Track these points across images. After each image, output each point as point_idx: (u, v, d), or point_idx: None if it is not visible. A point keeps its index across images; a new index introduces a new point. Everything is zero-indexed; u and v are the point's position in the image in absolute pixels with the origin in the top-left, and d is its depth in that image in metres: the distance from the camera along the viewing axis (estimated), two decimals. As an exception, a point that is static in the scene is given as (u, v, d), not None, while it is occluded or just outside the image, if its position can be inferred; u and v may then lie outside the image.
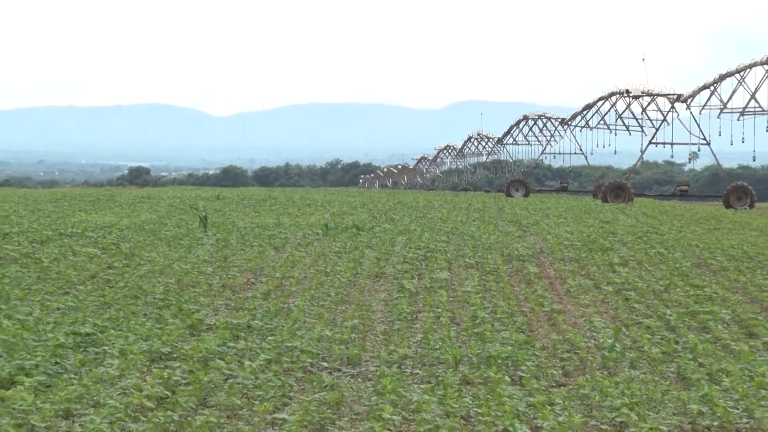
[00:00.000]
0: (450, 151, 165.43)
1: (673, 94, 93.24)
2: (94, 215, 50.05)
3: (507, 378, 18.45)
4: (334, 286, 28.47)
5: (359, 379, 18.72)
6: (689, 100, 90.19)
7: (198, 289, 27.71)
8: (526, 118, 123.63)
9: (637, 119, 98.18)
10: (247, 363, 19.17)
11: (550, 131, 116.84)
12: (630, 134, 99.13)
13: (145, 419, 15.23)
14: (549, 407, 16.33)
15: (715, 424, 15.86)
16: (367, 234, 40.97)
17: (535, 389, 17.74)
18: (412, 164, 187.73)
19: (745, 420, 16.08)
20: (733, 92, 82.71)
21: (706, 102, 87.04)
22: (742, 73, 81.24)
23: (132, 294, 26.69)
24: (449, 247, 36.63)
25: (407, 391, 17.33)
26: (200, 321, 23.36)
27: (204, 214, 45.12)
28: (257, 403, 16.44)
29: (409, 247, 36.42)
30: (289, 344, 20.72)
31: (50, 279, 28.81)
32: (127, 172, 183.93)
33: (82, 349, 19.87)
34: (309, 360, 19.74)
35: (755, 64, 79.30)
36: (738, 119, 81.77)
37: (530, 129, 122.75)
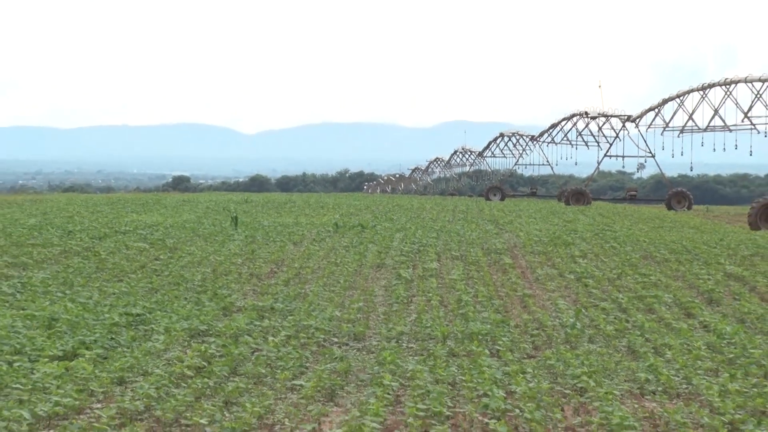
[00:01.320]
0: (439, 162, 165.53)
1: (624, 115, 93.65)
2: (143, 216, 50.07)
3: (486, 351, 18.50)
4: (342, 275, 28.52)
5: (364, 352, 18.78)
6: (637, 120, 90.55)
7: (230, 277, 27.78)
8: (502, 135, 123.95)
9: (594, 136, 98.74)
10: (270, 338, 19.22)
11: (522, 146, 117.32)
12: (588, 148, 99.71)
13: (185, 385, 15.29)
14: (521, 375, 16.36)
15: (660, 389, 15.91)
16: (370, 231, 41.00)
17: (509, 360, 17.78)
18: (407, 173, 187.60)
19: (684, 386, 16.11)
20: (674, 113, 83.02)
21: (652, 121, 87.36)
22: (681, 98, 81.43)
23: (175, 281, 26.78)
24: (438, 242, 36.65)
25: (404, 361, 17.38)
26: (232, 304, 23.44)
27: (235, 214, 45.18)
28: (279, 372, 16.49)
29: (405, 242, 36.44)
30: (305, 323, 20.78)
31: (107, 269, 28.88)
32: (171, 179, 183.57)
33: (133, 327, 19.92)
34: (322, 336, 19.81)
35: (692, 90, 79.51)
36: (678, 136, 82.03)
37: (505, 144, 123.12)
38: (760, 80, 68.15)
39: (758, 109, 69.75)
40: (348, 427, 12.85)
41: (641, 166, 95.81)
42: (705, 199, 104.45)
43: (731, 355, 18.32)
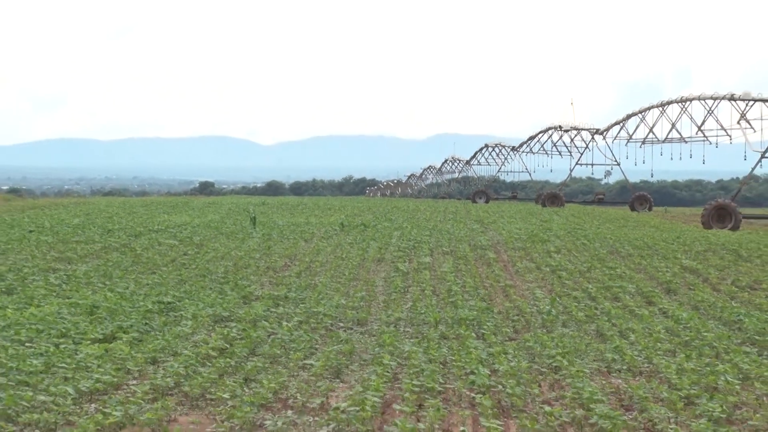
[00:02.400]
0: (431, 170, 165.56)
1: (593, 129, 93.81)
2: (173, 216, 50.06)
3: (473, 334, 18.51)
4: (347, 268, 28.52)
5: (366, 335, 18.78)
6: (604, 133, 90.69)
7: (249, 270, 27.77)
8: (486, 146, 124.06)
9: (566, 147, 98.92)
10: (284, 323, 19.23)
11: (504, 155, 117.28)
12: (562, 157, 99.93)
13: (210, 364, 15.29)
14: (503, 355, 16.37)
15: (624, 367, 15.91)
16: (371, 230, 41.00)
17: (493, 342, 17.78)
18: (404, 179, 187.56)
19: (646, 365, 16.12)
20: (637, 127, 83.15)
21: (617, 134, 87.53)
22: (643, 113, 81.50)
23: (201, 273, 26.77)
24: (431, 239, 36.65)
25: (401, 343, 17.37)
26: (251, 293, 23.44)
27: (253, 215, 45.12)
28: (292, 352, 16.49)
29: (402, 240, 36.45)
30: (315, 310, 20.78)
31: (141, 263, 28.88)
32: (197, 185, 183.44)
33: (164, 314, 19.93)
34: (329, 321, 19.81)
35: (652, 107, 79.63)
36: (640, 147, 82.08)
37: (490, 154, 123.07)
38: (711, 98, 68.23)
39: (710, 124, 69.93)
40: (352, 400, 12.84)
41: (608, 173, 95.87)
42: (664, 201, 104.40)
43: (687, 338, 18.32)
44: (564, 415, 12.66)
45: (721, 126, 68.69)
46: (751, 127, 61.90)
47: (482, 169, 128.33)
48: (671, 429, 11.83)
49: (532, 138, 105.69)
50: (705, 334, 18.62)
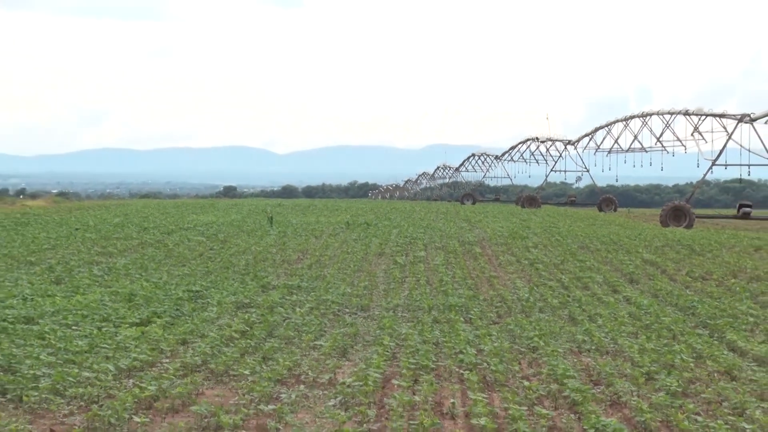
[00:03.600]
0: (425, 175, 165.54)
1: (566, 140, 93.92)
2: (201, 216, 50.02)
3: (461, 319, 18.51)
4: (352, 261, 28.51)
5: (368, 320, 18.78)
6: (576, 144, 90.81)
7: (266, 263, 27.77)
8: (473, 155, 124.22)
9: (543, 156, 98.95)
10: (297, 309, 19.23)
11: (488, 163, 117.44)
12: (538, 165, 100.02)
13: (233, 345, 15.29)
14: (488, 337, 16.37)
15: (593, 347, 15.90)
16: (373, 228, 40.98)
17: (479, 326, 17.78)
18: (402, 184, 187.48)
19: (611, 345, 16.11)
20: (603, 138, 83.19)
21: (587, 145, 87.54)
22: (609, 126, 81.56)
23: (225, 266, 26.76)
24: (425, 236, 36.64)
25: (399, 326, 17.38)
26: (268, 283, 23.43)
27: (271, 215, 45.11)
28: (304, 334, 16.48)
29: (400, 236, 36.44)
30: (324, 297, 20.78)
31: (173, 256, 28.87)
32: (222, 188, 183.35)
33: (193, 301, 19.94)
34: (337, 307, 19.81)
35: (617, 121, 79.70)
36: (606, 155, 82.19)
37: (476, 162, 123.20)
38: (669, 113, 68.39)
39: (667, 135, 69.84)
40: (357, 376, 12.83)
41: (579, 179, 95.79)
42: (627, 203, 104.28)
43: (647, 322, 18.34)
44: (540, 389, 12.66)
45: (677, 137, 68.76)
46: (703, 139, 62.15)
47: (469, 175, 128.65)
48: (634, 401, 11.81)
49: (512, 148, 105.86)
50: (663, 318, 18.63)
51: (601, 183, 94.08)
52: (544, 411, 11.28)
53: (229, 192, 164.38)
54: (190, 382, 12.40)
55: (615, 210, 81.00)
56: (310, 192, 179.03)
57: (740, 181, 66.72)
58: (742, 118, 56.64)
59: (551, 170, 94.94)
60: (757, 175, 67.04)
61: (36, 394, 11.39)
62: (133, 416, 10.70)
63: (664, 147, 71.18)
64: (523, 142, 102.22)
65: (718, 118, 59.93)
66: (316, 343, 15.78)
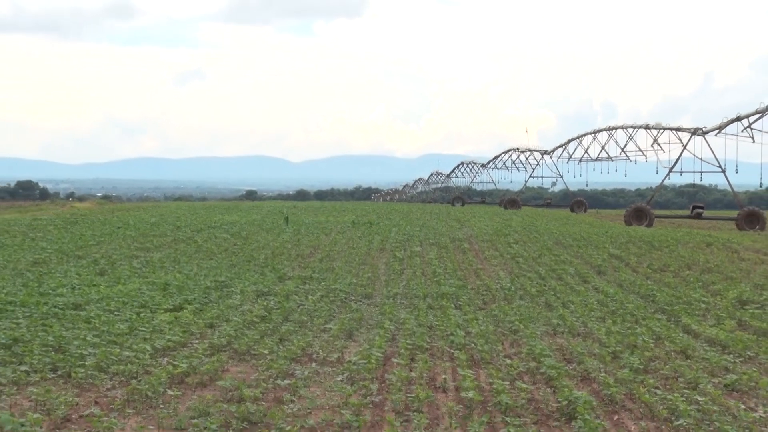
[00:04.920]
0: (421, 181, 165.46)
1: (542, 150, 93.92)
2: (226, 216, 49.99)
3: (452, 305, 18.49)
4: (357, 255, 28.47)
5: (371, 306, 18.74)
6: (551, 153, 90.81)
7: (283, 257, 27.73)
8: (462, 163, 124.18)
9: (522, 164, 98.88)
10: (309, 297, 19.21)
11: (475, 170, 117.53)
12: (519, 172, 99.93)
13: (254, 328, 15.26)
14: (475, 321, 16.35)
15: (566, 330, 15.87)
16: (375, 226, 40.95)
17: (467, 311, 17.76)
18: (400, 188, 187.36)
19: (582, 328, 16.08)
20: (575, 149, 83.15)
21: (561, 154, 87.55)
22: (580, 138, 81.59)
23: (247, 259, 26.73)
24: (420, 234, 36.62)
25: (398, 312, 17.36)
26: (284, 274, 23.39)
27: (287, 215, 45.10)
28: (315, 319, 16.46)
29: (399, 234, 36.40)
30: (333, 287, 20.76)
31: (202, 251, 28.85)
32: (244, 192, 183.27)
33: (219, 290, 19.91)
34: (344, 295, 19.78)
35: (587, 134, 79.78)
36: (578, 164, 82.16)
37: (465, 169, 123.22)
38: (631, 127, 68.49)
39: (630, 146, 69.82)
40: (361, 355, 12.82)
41: (554, 184, 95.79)
42: (596, 205, 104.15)
43: (613, 308, 18.30)
44: (521, 366, 12.64)
45: (639, 148, 68.77)
46: (662, 149, 62.28)
47: (459, 181, 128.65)
48: (602, 377, 11.79)
49: (496, 157, 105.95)
50: (627, 305, 18.60)
51: (573, 187, 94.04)
52: (523, 385, 11.26)
53: (251, 195, 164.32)
54: (217, 360, 12.38)
55: (585, 211, 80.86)
56: (321, 195, 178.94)
57: (693, 186, 66.94)
58: (695, 132, 56.93)
59: (530, 176, 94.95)
60: (708, 180, 66.86)
61: (83, 370, 11.38)
62: (167, 390, 10.69)
63: (628, 156, 71.18)
64: (506, 152, 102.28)
65: (674, 131, 59.99)
66: (326, 326, 15.76)
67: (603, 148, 76.26)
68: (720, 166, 55.52)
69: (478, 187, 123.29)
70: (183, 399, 10.52)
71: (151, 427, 9.31)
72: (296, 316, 16.67)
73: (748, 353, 13.89)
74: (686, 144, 57.27)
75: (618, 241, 33.86)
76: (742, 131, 51.88)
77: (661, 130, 62.24)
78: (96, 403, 10.22)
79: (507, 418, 9.76)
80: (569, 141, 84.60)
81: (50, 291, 18.34)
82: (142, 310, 16.41)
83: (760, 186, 55.47)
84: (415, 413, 9.89)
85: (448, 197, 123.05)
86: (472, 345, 14.01)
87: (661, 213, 66.10)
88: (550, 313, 17.64)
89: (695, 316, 17.49)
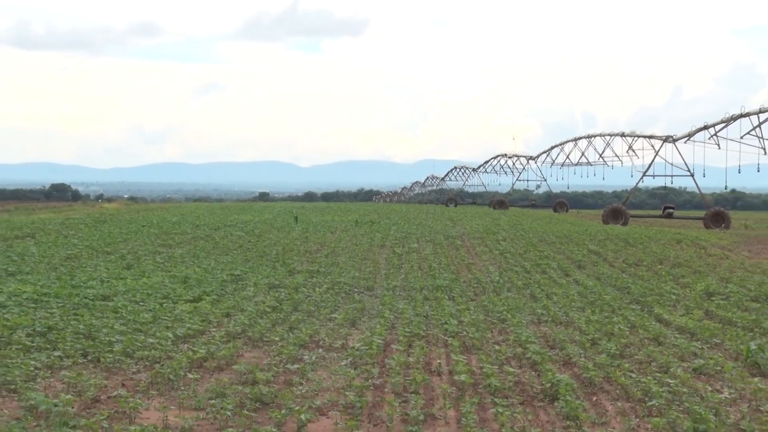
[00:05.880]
0: (418, 184, 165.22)
1: (528, 156, 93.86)
2: (241, 215, 49.92)
3: (446, 296, 18.47)
4: (360, 251, 28.45)
5: (373, 297, 18.72)
6: (536, 159, 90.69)
7: (293, 252, 27.70)
8: (455, 168, 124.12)
9: (510, 168, 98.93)
10: (317, 289, 19.19)
11: (467, 174, 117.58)
12: (507, 175, 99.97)
13: (266, 317, 15.25)
14: (467, 311, 16.33)
15: (550, 319, 15.86)
16: (376, 225, 40.93)
17: (459, 302, 17.74)
18: (399, 190, 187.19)
19: (564, 317, 16.06)
20: (558, 155, 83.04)
21: (545, 160, 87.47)
22: (562, 145, 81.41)
23: (260, 254, 26.70)
24: (417, 232, 36.59)
25: (396, 303, 17.34)
26: (294, 268, 23.36)
27: (296, 215, 45.05)
28: (322, 309, 16.45)
29: (398, 232, 36.38)
30: (338, 280, 20.74)
31: (219, 247, 28.81)
32: (257, 194, 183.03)
33: (235, 282, 19.90)
34: (348, 287, 19.76)
35: (568, 141, 79.59)
36: (560, 168, 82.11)
37: (458, 173, 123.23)
38: (609, 135, 68.49)
39: (608, 152, 69.77)
40: (363, 342, 12.81)
41: (538, 186, 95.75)
42: (576, 206, 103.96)
43: (592, 299, 18.29)
44: (508, 352, 12.62)
45: (616, 154, 68.70)
46: (636, 155, 62.26)
47: (452, 184, 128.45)
48: (582, 361, 11.78)
49: (486, 162, 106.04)
50: (604, 296, 18.59)
51: (555, 190, 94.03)
52: (511, 369, 11.25)
53: (263, 197, 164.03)
54: (232, 346, 12.36)
55: (567, 211, 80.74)
56: (327, 197, 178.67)
57: (665, 188, 66.80)
58: (666, 139, 57.15)
59: (516, 180, 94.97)
60: (678, 183, 66.88)
61: (111, 355, 11.37)
62: (187, 373, 10.67)
63: (605, 161, 71.15)
64: (495, 158, 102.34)
65: (647, 139, 60.13)
66: (331, 315, 15.75)
67: (583, 154, 76.22)
68: (689, 171, 55.73)
69: (470, 190, 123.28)
70: (202, 382, 10.51)
71: (173, 407, 9.30)
72: (304, 306, 16.65)
73: (715, 340, 13.88)
74: (658, 150, 57.49)
75: (596, 238, 33.85)
76: (709, 139, 52.00)
77: (636, 138, 62.35)
78: (123, 385, 10.21)
79: (496, 399, 9.75)
80: (552, 147, 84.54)
81: (81, 284, 18.33)
82: (164, 301, 16.40)
83: (725, 188, 55.60)
84: (412, 394, 9.88)
85: (442, 199, 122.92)
86: (464, 333, 14.00)
87: (635, 213, 66.03)
88: (534, 304, 17.62)
89: (666, 306, 17.48)
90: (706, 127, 52.01)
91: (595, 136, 72.34)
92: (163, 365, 10.93)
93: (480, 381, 10.75)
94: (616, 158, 68.46)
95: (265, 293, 18.42)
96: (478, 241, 32.61)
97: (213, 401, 9.38)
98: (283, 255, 26.80)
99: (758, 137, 46.45)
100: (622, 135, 64.62)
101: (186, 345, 12.56)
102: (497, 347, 12.91)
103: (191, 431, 8.43)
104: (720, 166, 53.32)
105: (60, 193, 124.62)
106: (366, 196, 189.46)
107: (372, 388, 10.28)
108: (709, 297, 18.89)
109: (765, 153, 46.35)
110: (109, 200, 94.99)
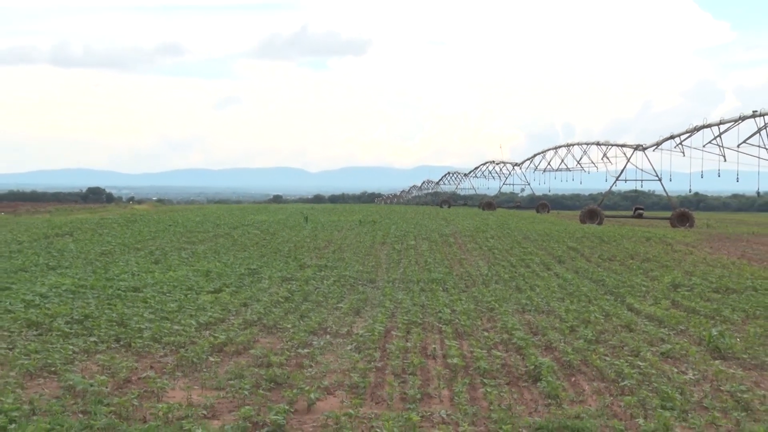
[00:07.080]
0: (415, 187, 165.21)
1: (514, 162, 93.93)
2: (257, 216, 49.87)
3: (440, 288, 18.44)
4: (363, 247, 28.41)
5: (375, 289, 18.68)
6: (521, 165, 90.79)
7: (303, 249, 27.65)
8: (448, 173, 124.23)
9: (497, 173, 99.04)
10: (325, 281, 19.15)
11: (459, 179, 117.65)
12: (494, 180, 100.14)
13: (279, 306, 15.23)
14: (459, 301, 16.30)
15: (533, 309, 15.81)
16: (378, 225, 40.89)
17: (452, 293, 17.71)
18: (398, 193, 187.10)
19: (546, 307, 16.02)
20: (540, 161, 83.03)
21: (528, 166, 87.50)
22: (544, 153, 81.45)
23: (274, 251, 26.66)
24: (415, 230, 36.54)
25: (396, 294, 17.31)
26: (304, 263, 23.31)
27: (306, 215, 45.02)
28: (329, 299, 16.43)
29: (397, 230, 36.33)
30: (343, 273, 20.70)
31: (237, 244, 28.78)
32: (272, 197, 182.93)
33: (251, 275, 19.86)
34: (352, 280, 19.71)
35: (550, 149, 79.63)
36: (542, 173, 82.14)
37: (450, 178, 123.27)
38: (586, 143, 68.55)
39: (585, 159, 69.83)
40: (367, 329, 12.79)
41: (523, 190, 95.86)
42: (557, 207, 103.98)
43: (571, 290, 18.26)
44: (496, 337, 12.61)
45: (592, 161, 68.69)
46: (610, 162, 62.51)
47: (446, 187, 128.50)
48: (562, 346, 11.77)
49: (476, 168, 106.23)
50: (582, 288, 18.56)
51: (538, 193, 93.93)
52: (498, 353, 11.23)
53: (277, 199, 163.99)
54: (249, 333, 12.36)
55: (548, 212, 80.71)
56: (334, 199, 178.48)
57: (635, 191, 67.03)
58: (637, 147, 57.35)
59: (503, 184, 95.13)
60: (648, 187, 67.37)
61: (141, 341, 11.37)
62: (209, 357, 10.67)
63: (583, 167, 71.15)
64: (484, 164, 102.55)
65: (620, 147, 60.26)
66: (338, 305, 15.73)
67: (563, 160, 76.20)
68: (657, 176, 55.87)
69: (462, 192, 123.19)
70: (222, 364, 10.50)
71: (196, 387, 9.30)
72: (314, 297, 16.64)
73: (680, 327, 13.86)
74: (630, 157, 57.66)
75: (575, 236, 33.81)
76: (675, 147, 52.04)
77: (610, 146, 62.51)
78: (151, 367, 10.21)
79: (485, 380, 9.74)
80: (535, 155, 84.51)
81: (114, 276, 18.33)
82: (188, 292, 16.39)
83: (690, 192, 55.63)
84: (410, 376, 9.87)
85: (437, 201, 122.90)
86: (457, 320, 13.99)
87: (609, 213, 66.00)
88: (519, 295, 17.60)
89: (637, 297, 17.45)
90: (672, 137, 52.05)
91: (573, 145, 72.37)
92: (187, 350, 10.93)
93: (471, 364, 10.73)
94: (592, 164, 68.49)
95: (278, 285, 18.41)
96: (469, 239, 32.59)
97: (232, 382, 9.38)
98: (295, 251, 26.78)
99: (719, 146, 46.47)
100: (598, 144, 64.70)
101: (208, 331, 12.55)
102: (486, 333, 12.90)
103: (212, 408, 8.42)
104: (685, 171, 53.39)
105: (95, 196, 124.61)
106: (369, 198, 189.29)
107: (374, 370, 10.27)
108: (675, 288, 18.87)
109: (725, 160, 46.36)
110: (139, 202, 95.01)
